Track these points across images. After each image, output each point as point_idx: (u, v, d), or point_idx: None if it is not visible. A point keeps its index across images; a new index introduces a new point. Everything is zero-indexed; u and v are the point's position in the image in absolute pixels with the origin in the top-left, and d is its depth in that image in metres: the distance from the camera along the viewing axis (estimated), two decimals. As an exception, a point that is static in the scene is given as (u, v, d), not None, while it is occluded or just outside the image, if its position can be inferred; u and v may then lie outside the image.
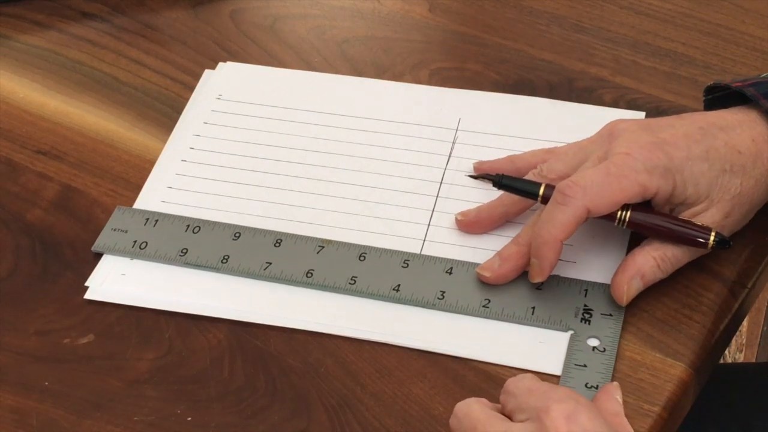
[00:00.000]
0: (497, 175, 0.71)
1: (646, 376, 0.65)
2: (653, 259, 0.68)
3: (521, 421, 0.57)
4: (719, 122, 0.70)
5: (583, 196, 0.66)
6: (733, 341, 1.50)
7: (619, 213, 0.68)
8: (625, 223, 0.68)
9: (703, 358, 0.67)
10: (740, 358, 1.52)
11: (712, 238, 0.68)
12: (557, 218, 0.66)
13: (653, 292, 0.69)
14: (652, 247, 0.68)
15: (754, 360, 1.50)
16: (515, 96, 0.82)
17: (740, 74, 0.82)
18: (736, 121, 0.70)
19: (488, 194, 0.75)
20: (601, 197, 0.66)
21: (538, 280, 0.68)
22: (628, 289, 0.68)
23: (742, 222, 0.70)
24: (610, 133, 0.70)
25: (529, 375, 0.60)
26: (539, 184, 0.70)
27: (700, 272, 0.70)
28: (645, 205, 0.69)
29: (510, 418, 0.58)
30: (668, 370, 0.66)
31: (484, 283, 0.70)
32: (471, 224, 0.73)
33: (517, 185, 0.71)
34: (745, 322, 1.47)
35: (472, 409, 0.58)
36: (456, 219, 0.74)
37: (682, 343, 0.67)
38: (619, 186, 0.67)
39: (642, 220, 0.68)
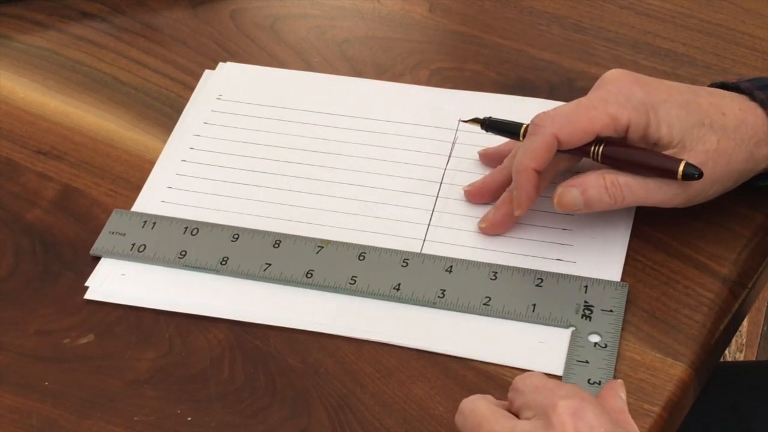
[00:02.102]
0: (485, 117, 0.74)
1: (646, 376, 0.65)
2: (603, 179, 0.68)
3: (528, 419, 0.57)
4: (711, 91, 0.71)
5: (552, 124, 0.68)
6: (733, 341, 1.50)
7: (593, 148, 0.69)
8: (599, 157, 0.69)
9: (703, 358, 0.67)
10: (740, 358, 1.52)
11: (681, 166, 0.67)
12: (528, 147, 0.69)
13: (653, 291, 0.69)
14: (607, 170, 0.69)
15: (754, 360, 1.50)
16: (515, 96, 0.82)
17: (741, 74, 0.82)
18: (728, 95, 0.70)
19: (488, 194, 0.75)
20: (570, 125, 0.68)
21: (517, 212, 0.70)
22: (561, 193, 0.69)
23: (716, 185, 0.69)
24: (601, 80, 0.71)
25: (537, 372, 0.60)
26: (522, 124, 0.72)
27: (700, 272, 0.70)
28: (621, 142, 0.69)
29: (517, 415, 0.58)
30: (668, 370, 0.66)
31: (485, 281, 0.70)
32: (478, 191, 0.74)
33: (503, 126, 0.74)
34: (745, 322, 1.47)
35: (478, 405, 0.58)
36: (464, 191, 0.75)
37: (682, 343, 0.67)
38: (587, 115, 0.68)
39: (614, 154, 0.69)
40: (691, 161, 0.68)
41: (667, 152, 0.68)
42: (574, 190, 0.69)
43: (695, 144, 0.68)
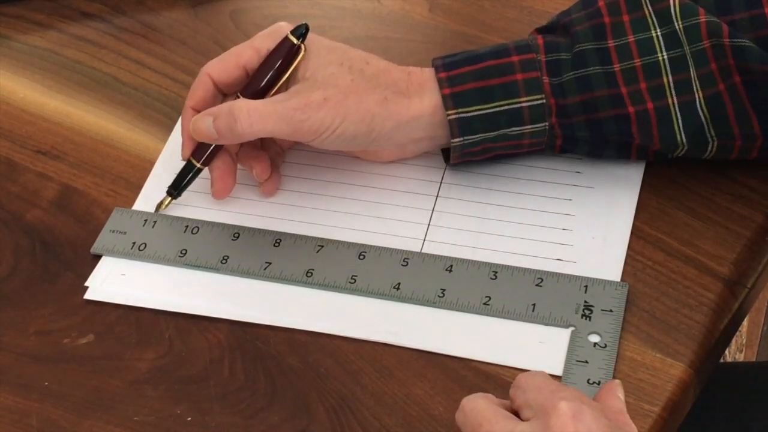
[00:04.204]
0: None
1: (646, 376, 0.66)
2: (230, 105, 0.70)
3: (528, 418, 0.57)
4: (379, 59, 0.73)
5: (206, 66, 0.73)
6: (733, 341, 1.50)
7: None
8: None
9: (703, 358, 0.67)
10: (740, 358, 1.52)
11: (291, 38, 0.71)
12: (190, 90, 0.74)
13: (653, 291, 0.69)
14: (244, 99, 0.71)
15: (754, 360, 1.50)
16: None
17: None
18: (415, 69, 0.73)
19: (487, 194, 0.75)
20: (219, 62, 0.73)
21: (183, 155, 0.74)
22: (196, 119, 0.71)
23: (345, 119, 0.70)
24: None
25: (541, 372, 0.60)
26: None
27: (700, 272, 0.70)
28: None
29: (518, 412, 0.58)
30: (668, 370, 0.66)
31: (485, 281, 0.70)
32: (221, 186, 0.75)
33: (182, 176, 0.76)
34: (745, 322, 1.47)
35: (479, 405, 0.58)
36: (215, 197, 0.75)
37: (682, 343, 0.67)
38: (234, 51, 0.73)
39: (249, 84, 0.72)
40: (315, 97, 0.69)
41: (298, 85, 0.71)
42: (207, 119, 0.71)
43: (326, 79, 0.70)
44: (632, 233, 0.72)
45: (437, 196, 0.76)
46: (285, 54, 0.71)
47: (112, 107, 0.83)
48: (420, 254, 0.72)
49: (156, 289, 0.72)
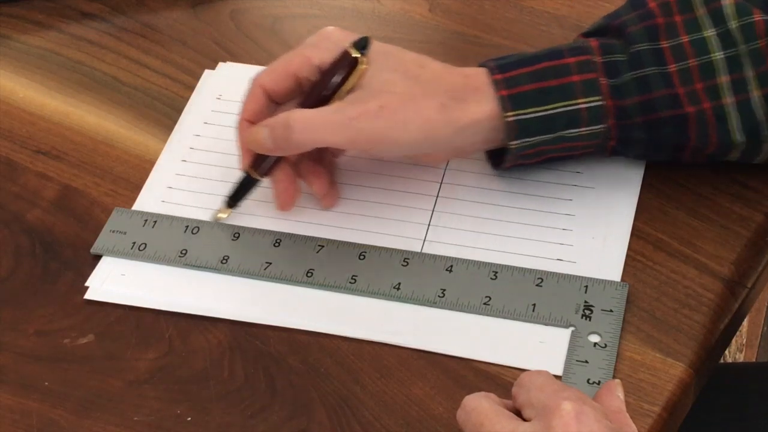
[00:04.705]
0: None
1: (646, 376, 0.66)
2: (284, 115, 0.70)
3: (529, 417, 0.57)
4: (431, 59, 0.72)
5: (257, 77, 0.73)
6: (733, 341, 1.50)
7: None
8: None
9: (703, 358, 0.67)
10: (740, 358, 1.52)
11: (351, 50, 0.69)
12: (243, 103, 0.73)
13: (653, 291, 0.69)
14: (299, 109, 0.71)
15: (754, 360, 1.50)
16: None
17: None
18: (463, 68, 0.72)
19: (488, 194, 0.75)
20: (269, 72, 0.72)
21: (242, 166, 0.73)
22: (252, 131, 0.71)
23: (402, 127, 0.69)
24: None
25: (544, 372, 0.60)
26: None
27: (700, 272, 0.70)
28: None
29: (520, 411, 0.58)
30: (668, 370, 0.66)
31: (485, 281, 0.70)
32: (285, 197, 0.74)
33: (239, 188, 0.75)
34: (745, 322, 1.47)
35: (481, 404, 0.58)
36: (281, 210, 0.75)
37: (682, 343, 0.67)
38: (284, 59, 0.72)
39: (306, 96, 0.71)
40: (372, 105, 0.68)
41: (354, 94, 0.69)
42: (264, 130, 0.70)
43: (382, 86, 0.69)
44: (632, 233, 0.72)
45: (437, 196, 0.76)
46: (345, 66, 0.70)
47: (112, 107, 0.83)
48: (420, 254, 0.72)
49: (156, 289, 0.72)
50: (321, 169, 0.74)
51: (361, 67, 0.70)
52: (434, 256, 0.72)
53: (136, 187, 0.78)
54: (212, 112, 0.82)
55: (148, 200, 0.77)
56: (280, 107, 0.73)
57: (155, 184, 0.78)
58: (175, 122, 0.82)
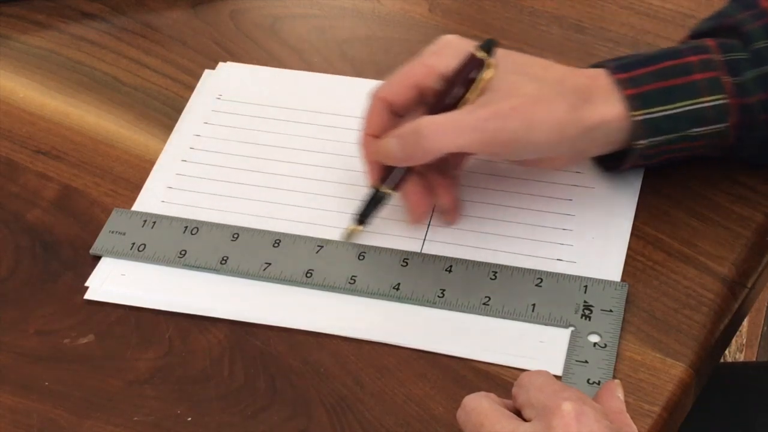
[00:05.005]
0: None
1: (646, 376, 0.65)
2: (413, 123, 0.68)
3: (530, 418, 0.57)
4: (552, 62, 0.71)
5: (377, 90, 0.71)
6: (733, 341, 1.50)
7: None
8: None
9: (703, 358, 0.67)
10: (740, 358, 1.52)
11: (477, 52, 0.68)
12: (364, 117, 0.72)
13: (653, 291, 0.69)
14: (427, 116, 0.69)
15: (754, 360, 1.50)
16: (515, 96, 0.82)
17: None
18: (579, 69, 0.71)
19: (488, 194, 0.75)
20: (391, 83, 0.71)
21: (369, 182, 0.72)
22: (381, 143, 0.70)
23: (537, 131, 0.68)
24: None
25: (544, 372, 0.60)
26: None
27: (700, 272, 0.70)
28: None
29: (520, 411, 0.58)
30: (668, 370, 0.66)
31: (485, 281, 0.70)
32: (414, 207, 0.73)
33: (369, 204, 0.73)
34: (745, 322, 1.47)
35: (481, 404, 0.58)
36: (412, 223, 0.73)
37: (682, 343, 0.67)
38: (405, 70, 0.71)
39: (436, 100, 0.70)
40: (504, 105, 0.67)
41: (482, 97, 0.68)
42: (393, 141, 0.69)
43: (510, 88, 0.68)
44: (632, 233, 0.72)
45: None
46: (472, 70, 0.68)
47: (112, 107, 0.83)
48: (420, 254, 0.72)
49: (156, 289, 0.72)
50: (448, 181, 0.73)
51: (488, 69, 0.68)
52: (434, 256, 0.72)
53: (136, 187, 0.78)
54: (212, 112, 0.82)
55: (148, 200, 0.77)
56: (401, 120, 0.71)
57: (155, 184, 0.78)
58: (175, 122, 0.82)
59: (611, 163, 0.73)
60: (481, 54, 0.69)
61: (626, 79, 0.69)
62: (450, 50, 0.70)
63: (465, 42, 0.71)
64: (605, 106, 0.69)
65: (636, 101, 0.69)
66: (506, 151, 0.69)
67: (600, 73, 0.70)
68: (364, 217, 0.72)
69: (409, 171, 0.71)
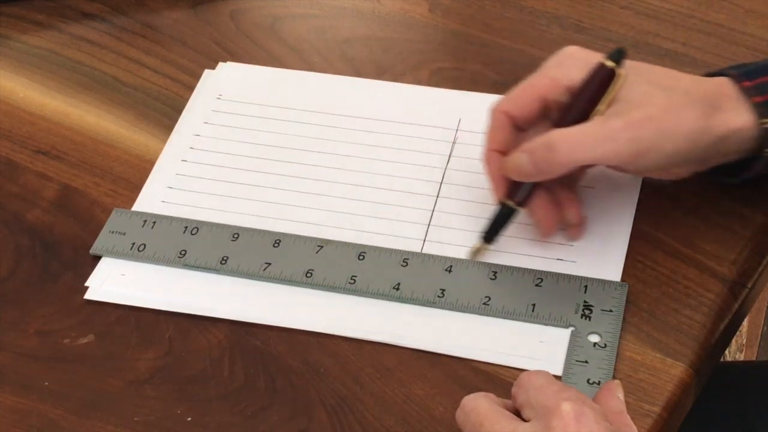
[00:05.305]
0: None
1: (646, 376, 0.65)
2: (544, 137, 0.67)
3: (529, 418, 0.57)
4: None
5: (499, 103, 0.70)
6: (733, 341, 1.50)
7: None
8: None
9: (703, 358, 0.67)
10: (740, 358, 1.52)
11: (604, 58, 0.68)
12: (486, 133, 0.71)
13: (653, 291, 0.69)
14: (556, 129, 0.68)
15: (754, 360, 1.50)
16: (515, 96, 0.82)
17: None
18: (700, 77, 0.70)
19: (488, 194, 0.75)
20: (514, 97, 0.70)
21: (495, 198, 0.71)
22: (508, 159, 0.69)
23: (669, 142, 0.67)
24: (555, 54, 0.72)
25: (544, 372, 0.60)
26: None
27: (700, 272, 0.70)
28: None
29: (519, 411, 0.58)
30: (668, 370, 0.66)
31: (485, 281, 0.70)
32: (547, 224, 0.71)
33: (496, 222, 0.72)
34: (745, 322, 1.47)
35: (480, 404, 0.58)
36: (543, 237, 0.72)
37: (682, 343, 0.67)
38: (529, 83, 0.70)
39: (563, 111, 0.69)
40: (637, 115, 0.66)
41: (612, 108, 0.67)
42: (522, 156, 0.68)
43: (641, 98, 0.67)
44: (632, 233, 0.72)
45: (437, 196, 0.76)
46: (601, 80, 0.67)
47: (112, 107, 0.83)
48: (420, 254, 0.72)
49: (156, 289, 0.72)
50: (574, 195, 0.71)
51: (618, 79, 0.67)
52: (434, 256, 0.72)
53: (136, 187, 0.78)
54: (212, 111, 0.82)
55: (148, 200, 0.77)
56: (523, 134, 0.70)
57: (155, 184, 0.78)
58: (175, 122, 0.82)
59: (726, 172, 0.72)
60: (610, 64, 0.68)
61: (752, 87, 0.68)
62: (574, 62, 0.69)
63: (588, 53, 0.70)
64: (734, 115, 0.68)
65: (765, 108, 0.68)
66: (638, 161, 0.67)
67: (724, 81, 0.69)
68: (491, 234, 0.71)
69: (536, 185, 0.70)
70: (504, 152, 0.70)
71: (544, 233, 0.72)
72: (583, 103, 0.68)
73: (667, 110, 0.67)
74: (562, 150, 0.67)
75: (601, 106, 0.68)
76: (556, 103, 0.69)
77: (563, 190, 0.71)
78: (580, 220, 0.72)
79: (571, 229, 0.72)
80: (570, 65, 0.70)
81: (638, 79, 0.68)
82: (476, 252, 0.71)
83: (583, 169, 0.72)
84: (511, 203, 0.70)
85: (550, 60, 0.71)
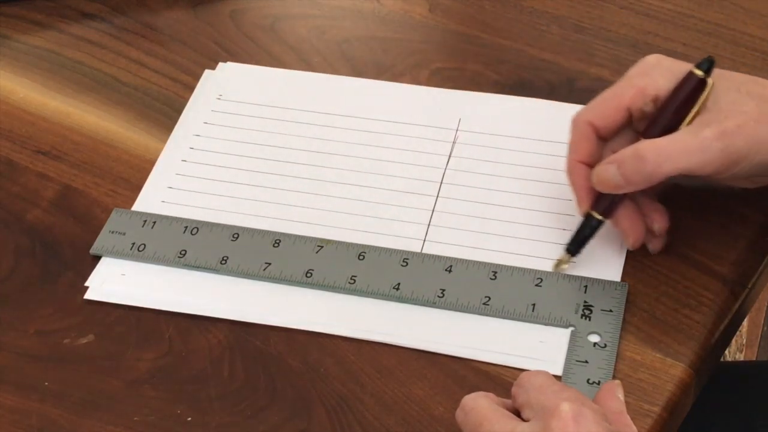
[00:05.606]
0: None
1: (646, 376, 0.65)
2: (634, 149, 0.66)
3: (528, 418, 0.57)
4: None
5: (583, 113, 0.69)
6: (733, 341, 1.50)
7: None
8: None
9: (703, 358, 0.67)
10: (740, 358, 1.52)
11: (693, 67, 0.67)
12: (569, 143, 0.70)
13: (653, 292, 0.69)
14: (644, 141, 0.67)
15: (754, 360, 1.50)
16: (515, 96, 0.82)
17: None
18: None
19: (488, 194, 0.75)
20: (597, 106, 0.69)
21: (580, 209, 0.70)
22: (598, 171, 0.67)
23: (759, 152, 0.65)
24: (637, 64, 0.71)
25: (544, 372, 0.60)
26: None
27: (700, 272, 0.70)
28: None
29: (519, 411, 0.58)
30: (668, 370, 0.66)
31: (485, 281, 0.70)
32: (635, 234, 0.70)
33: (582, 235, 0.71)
34: (745, 322, 1.47)
35: (480, 403, 0.58)
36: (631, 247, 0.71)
37: (682, 343, 0.67)
38: (613, 92, 0.69)
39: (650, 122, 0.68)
40: (729, 124, 0.65)
41: (701, 117, 0.66)
42: (611, 167, 0.67)
43: (731, 106, 0.66)
44: (632, 233, 0.72)
45: (437, 196, 0.76)
46: (690, 90, 0.67)
47: (112, 107, 0.83)
48: (420, 254, 0.72)
49: (156, 289, 0.72)
50: (659, 205, 0.70)
51: (707, 88, 0.67)
52: (434, 256, 0.72)
53: (136, 187, 0.78)
54: (212, 112, 0.82)
55: (148, 200, 0.77)
56: (606, 144, 0.70)
57: (155, 184, 0.78)
58: (175, 122, 0.82)
59: None
60: (700, 73, 0.67)
61: None
62: (659, 70, 0.69)
63: (673, 61, 0.69)
64: None
65: None
66: (729, 170, 0.66)
67: None
68: (577, 246, 0.70)
69: (622, 197, 0.69)
70: (588, 163, 0.69)
71: (632, 244, 0.70)
72: (671, 112, 0.67)
73: (758, 119, 0.66)
74: (652, 161, 0.65)
75: (690, 116, 0.67)
76: (641, 112, 0.68)
77: (647, 199, 0.70)
78: (665, 230, 0.70)
79: (655, 240, 0.71)
80: (656, 74, 0.69)
81: (726, 86, 0.67)
82: (560, 264, 0.71)
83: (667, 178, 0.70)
84: (596, 215, 0.69)
85: (633, 69, 0.70)
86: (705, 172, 0.66)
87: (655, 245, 0.71)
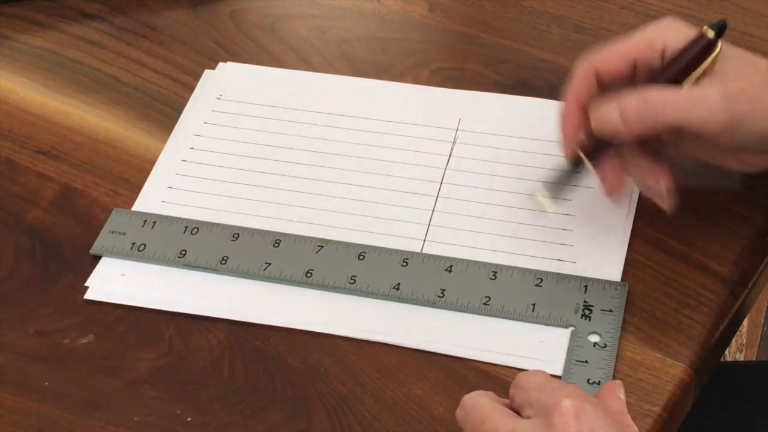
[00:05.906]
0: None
1: (646, 376, 0.66)
2: (640, 93, 0.66)
3: (529, 417, 0.57)
4: None
5: (588, 57, 0.68)
6: (733, 341, 1.50)
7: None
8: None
9: (703, 358, 0.67)
10: (740, 358, 1.52)
11: (705, 29, 0.66)
12: (570, 84, 0.69)
13: (653, 291, 0.69)
14: (649, 88, 0.66)
15: (754, 360, 1.50)
16: (515, 96, 0.82)
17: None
18: None
19: (488, 194, 0.75)
20: (604, 53, 0.68)
21: (563, 153, 0.70)
22: (597, 108, 0.67)
23: (763, 119, 0.65)
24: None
25: (541, 371, 0.60)
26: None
27: (700, 272, 0.70)
28: None
29: (518, 412, 0.58)
30: (668, 370, 0.66)
31: (485, 281, 0.70)
32: (613, 181, 0.69)
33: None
34: (745, 322, 1.47)
35: (480, 402, 0.58)
36: (608, 196, 0.70)
37: (682, 343, 0.67)
38: (622, 41, 0.68)
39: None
40: (734, 87, 0.65)
41: (707, 78, 0.66)
42: (612, 109, 0.66)
43: (737, 73, 0.66)
44: (632, 233, 0.72)
45: (437, 196, 0.76)
46: (700, 50, 0.66)
47: (112, 107, 0.84)
48: (420, 254, 0.72)
49: (156, 289, 0.72)
50: (661, 165, 0.68)
51: (716, 50, 0.66)
52: (434, 256, 0.72)
53: (136, 187, 0.78)
54: (212, 112, 0.82)
55: (148, 200, 0.77)
56: (605, 93, 0.68)
57: (155, 184, 0.78)
58: (175, 122, 0.82)
59: None
60: (711, 34, 0.67)
61: None
62: (672, 30, 0.68)
63: (686, 24, 0.69)
64: None
65: None
66: (730, 133, 0.65)
67: None
68: (556, 186, 0.70)
69: (609, 145, 0.68)
70: (583, 105, 0.68)
71: (607, 190, 0.69)
72: (677, 69, 0.67)
73: (762, 89, 0.65)
74: (657, 106, 0.65)
75: (694, 76, 0.66)
76: (646, 67, 0.68)
77: (650, 160, 0.69)
78: (672, 188, 0.69)
79: (663, 200, 0.69)
80: (667, 32, 0.68)
81: (735, 56, 0.67)
82: (543, 203, 0.70)
83: (662, 145, 0.70)
84: (582, 154, 0.68)
85: (647, 26, 0.69)
86: (706, 130, 0.65)
87: (668, 204, 0.69)
